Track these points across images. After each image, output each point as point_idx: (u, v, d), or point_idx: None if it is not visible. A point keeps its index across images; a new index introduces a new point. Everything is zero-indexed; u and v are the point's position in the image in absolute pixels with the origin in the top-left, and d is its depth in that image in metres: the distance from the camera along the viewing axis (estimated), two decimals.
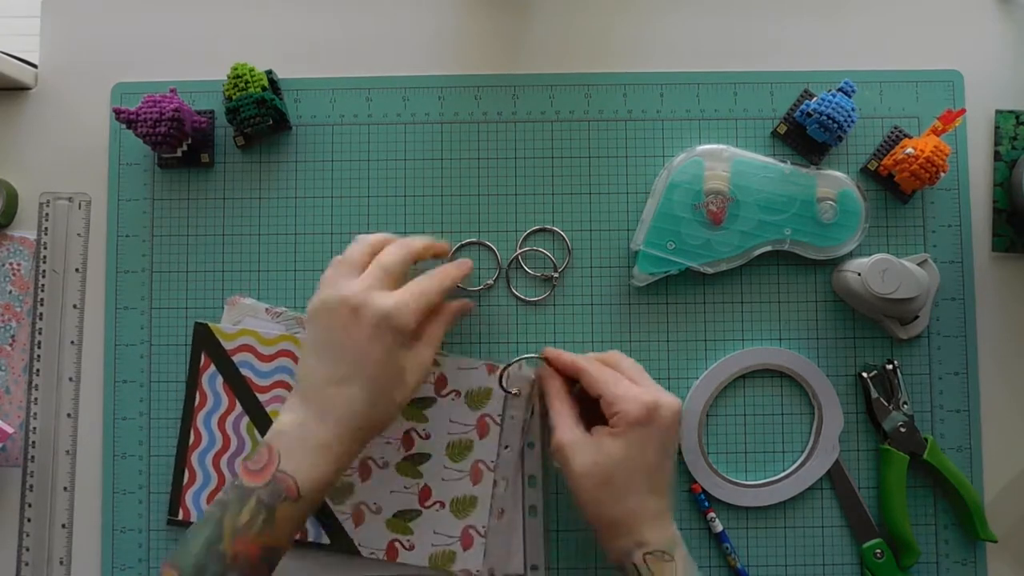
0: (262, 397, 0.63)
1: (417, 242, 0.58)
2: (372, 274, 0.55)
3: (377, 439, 0.61)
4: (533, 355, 0.62)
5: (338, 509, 0.62)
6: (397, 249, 0.57)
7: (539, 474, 0.63)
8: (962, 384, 0.64)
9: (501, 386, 0.62)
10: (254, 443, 0.63)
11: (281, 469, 0.51)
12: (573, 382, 0.60)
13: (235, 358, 0.63)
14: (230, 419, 0.63)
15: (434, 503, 0.62)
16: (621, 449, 0.54)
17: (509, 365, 0.62)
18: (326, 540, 0.62)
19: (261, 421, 0.63)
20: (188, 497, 0.63)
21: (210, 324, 0.64)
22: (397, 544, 0.62)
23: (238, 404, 0.63)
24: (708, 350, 0.64)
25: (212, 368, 0.63)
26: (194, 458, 0.63)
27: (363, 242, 0.58)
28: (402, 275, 0.56)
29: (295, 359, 0.63)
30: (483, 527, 0.62)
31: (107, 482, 0.64)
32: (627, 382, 0.56)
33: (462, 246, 0.64)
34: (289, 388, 0.63)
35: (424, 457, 0.62)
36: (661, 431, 0.55)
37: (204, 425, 0.63)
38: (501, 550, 0.62)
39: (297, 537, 0.61)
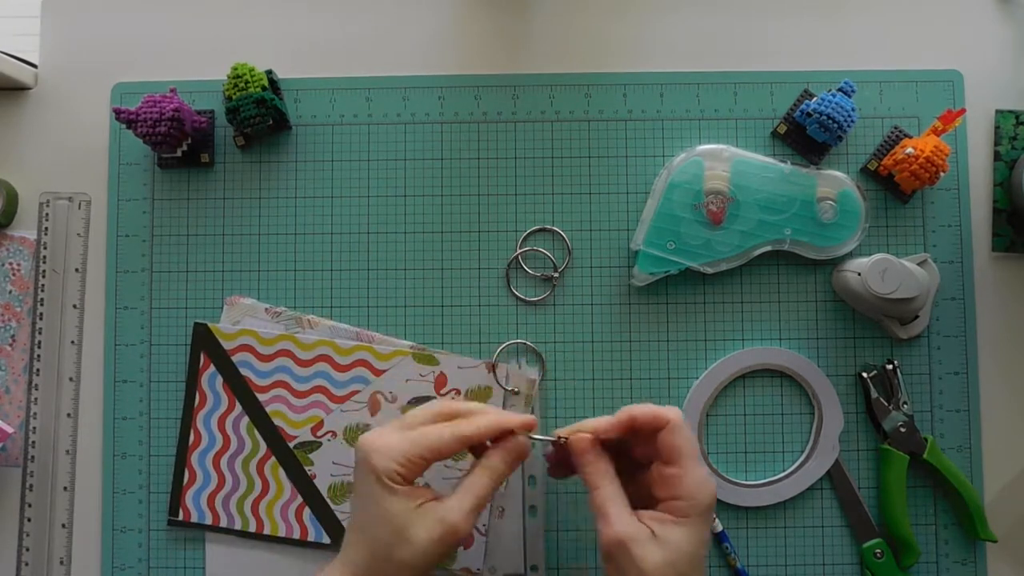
0: (262, 397, 0.63)
1: (466, 429, 0.53)
2: (398, 421, 0.53)
3: None
4: (522, 341, 0.63)
5: (338, 509, 0.62)
6: (421, 409, 0.54)
7: (539, 474, 0.63)
8: (962, 384, 0.64)
9: (498, 383, 0.62)
10: (254, 443, 0.63)
11: None
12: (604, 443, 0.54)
13: (234, 358, 0.63)
14: (230, 419, 0.63)
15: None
16: (691, 540, 0.49)
17: (498, 354, 0.62)
18: (327, 540, 0.62)
19: (261, 421, 0.63)
20: (188, 497, 0.63)
21: (209, 324, 0.64)
22: None
23: (238, 404, 0.63)
24: (708, 350, 0.64)
25: (212, 368, 0.63)
26: (194, 458, 0.63)
27: (427, 408, 0.55)
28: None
29: (295, 359, 0.63)
30: (483, 526, 0.62)
31: (107, 482, 0.64)
32: (692, 460, 0.51)
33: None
34: (287, 388, 0.63)
35: None
36: (711, 514, 0.51)
37: (204, 425, 0.63)
38: (502, 549, 0.62)
39: (297, 536, 0.61)
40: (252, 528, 0.62)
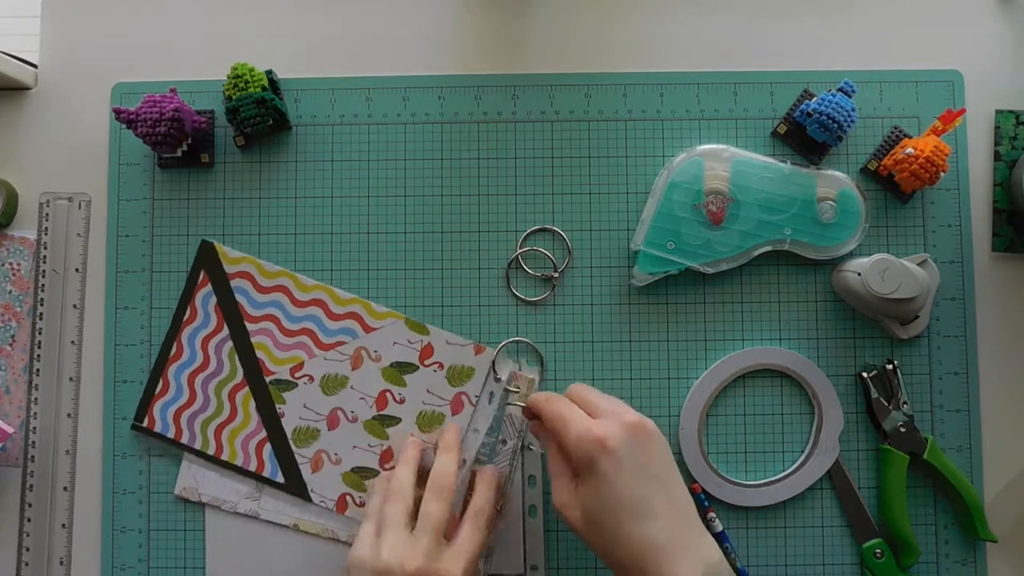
0: (250, 327, 0.64)
1: (407, 454, 0.59)
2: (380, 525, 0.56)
3: (353, 393, 0.62)
4: (522, 339, 0.63)
5: (299, 452, 0.63)
6: (387, 502, 0.56)
7: (539, 474, 0.63)
8: (962, 384, 0.64)
9: (495, 375, 0.63)
10: (232, 369, 0.63)
11: None
12: None
13: (233, 283, 0.64)
14: (214, 340, 0.64)
15: (392, 466, 0.63)
16: (593, 492, 0.51)
17: (498, 351, 0.63)
18: (281, 479, 0.63)
19: (244, 349, 0.64)
20: (156, 407, 0.63)
21: (216, 244, 0.64)
22: (348, 498, 0.62)
23: (226, 328, 0.64)
24: (708, 350, 0.64)
25: (208, 287, 0.64)
26: (171, 371, 0.64)
27: (374, 496, 0.58)
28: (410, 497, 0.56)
29: (291, 297, 0.64)
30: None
31: (107, 482, 0.64)
32: (576, 421, 0.53)
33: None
34: (277, 324, 0.64)
35: (394, 420, 0.63)
36: (621, 457, 0.51)
37: (188, 341, 0.64)
38: (502, 549, 0.62)
39: (253, 469, 0.63)
40: (211, 451, 0.63)
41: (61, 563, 0.63)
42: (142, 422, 0.63)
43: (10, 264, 0.66)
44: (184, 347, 0.64)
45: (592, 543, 0.52)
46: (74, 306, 0.65)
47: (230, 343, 0.64)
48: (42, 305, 0.65)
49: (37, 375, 0.64)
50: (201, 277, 0.64)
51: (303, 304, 0.64)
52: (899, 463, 0.62)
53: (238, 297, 0.64)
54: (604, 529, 0.51)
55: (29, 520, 0.64)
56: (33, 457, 0.64)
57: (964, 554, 0.63)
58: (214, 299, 0.64)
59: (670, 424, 0.63)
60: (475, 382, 0.63)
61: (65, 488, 0.64)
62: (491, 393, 0.63)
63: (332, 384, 0.63)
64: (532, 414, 0.58)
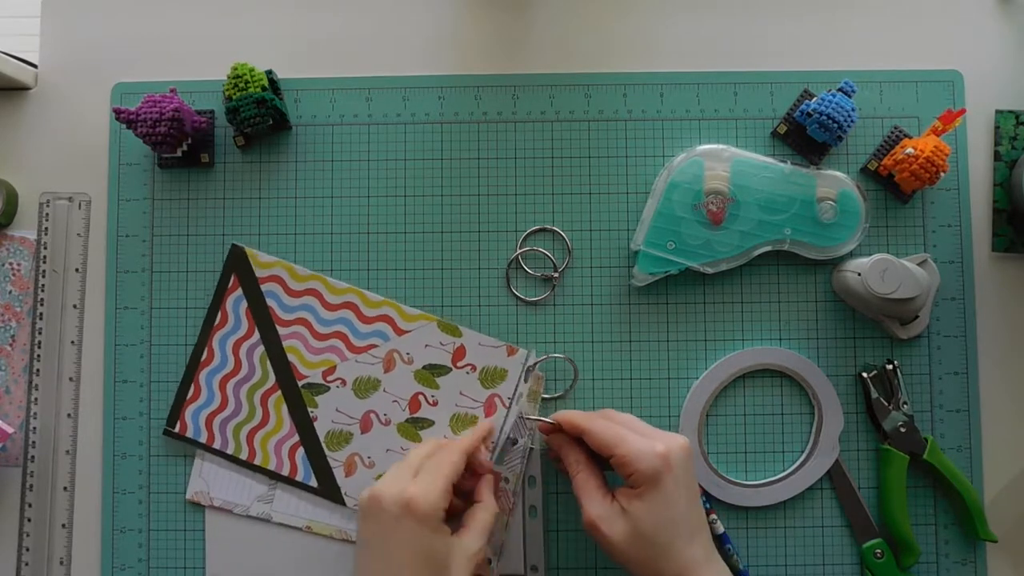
0: (282, 331, 0.63)
1: (464, 441, 0.59)
2: (405, 467, 0.55)
3: (386, 396, 0.62)
4: (560, 355, 0.63)
5: (332, 456, 0.63)
6: (424, 447, 0.58)
7: (539, 475, 0.63)
8: (962, 384, 0.64)
9: (524, 372, 0.63)
10: (264, 373, 0.63)
11: None
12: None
13: (264, 287, 0.64)
14: (246, 345, 0.64)
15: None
16: (651, 508, 0.53)
17: (536, 364, 0.63)
18: (314, 483, 0.62)
19: (276, 353, 0.63)
20: (188, 412, 0.63)
21: (247, 248, 0.64)
22: None
23: (257, 332, 0.64)
24: (708, 350, 0.64)
25: (239, 291, 0.64)
26: (202, 376, 0.63)
27: (421, 447, 0.58)
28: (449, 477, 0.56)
29: (322, 301, 0.63)
30: None
31: (107, 482, 0.64)
32: (632, 436, 0.54)
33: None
34: (308, 327, 0.63)
35: (427, 423, 0.63)
36: (679, 475, 0.53)
37: (219, 346, 0.64)
38: (502, 549, 0.62)
39: (286, 474, 0.62)
40: (244, 456, 0.63)
41: (61, 563, 0.63)
42: (174, 427, 0.63)
43: (10, 264, 0.66)
44: (215, 351, 0.63)
45: (632, 557, 0.53)
46: (74, 306, 0.65)
47: (261, 347, 0.63)
48: (42, 305, 0.65)
49: (37, 375, 0.64)
50: (232, 281, 0.64)
51: (334, 307, 0.64)
52: (899, 463, 0.62)
53: (269, 301, 0.64)
54: (655, 544, 0.53)
55: (29, 520, 0.64)
56: (33, 457, 0.64)
57: (964, 554, 0.63)
58: (245, 303, 0.64)
59: (670, 424, 0.63)
60: (508, 384, 0.63)
61: (65, 488, 0.64)
62: (521, 395, 0.63)
63: (364, 387, 0.63)
64: (552, 428, 0.59)
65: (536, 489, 0.63)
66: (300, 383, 0.63)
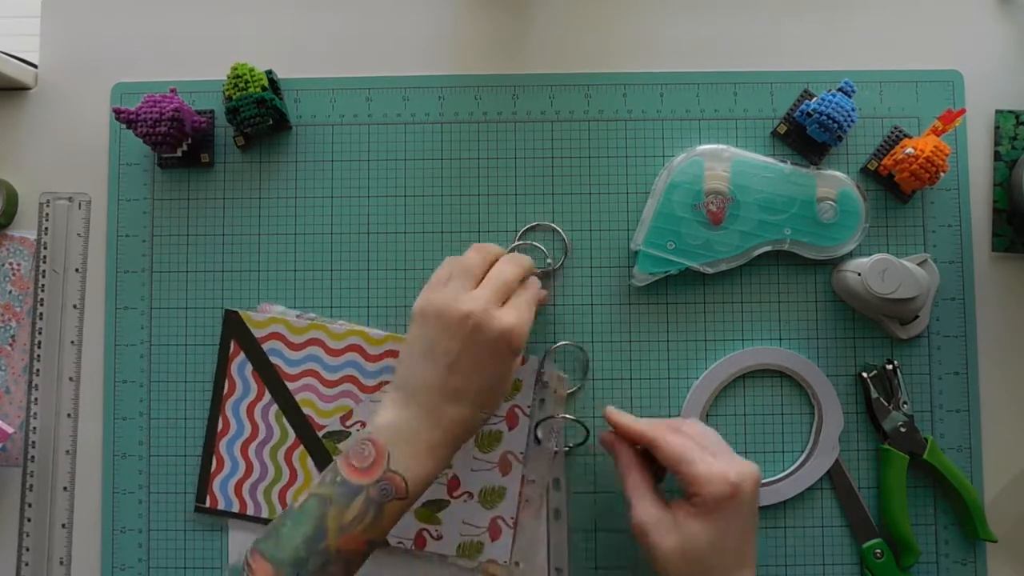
0: (291, 385, 0.63)
1: (527, 259, 0.60)
2: (493, 288, 0.55)
3: None
4: (568, 343, 0.63)
5: None
6: (513, 267, 0.57)
7: (563, 478, 0.63)
8: (962, 384, 0.64)
9: (540, 377, 0.63)
10: (283, 431, 0.63)
11: (392, 469, 0.51)
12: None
13: (265, 346, 0.63)
14: (259, 407, 0.63)
15: (462, 494, 0.62)
16: (707, 530, 0.52)
17: (545, 354, 0.63)
18: None
19: (290, 409, 0.63)
20: (215, 484, 0.63)
21: (240, 312, 0.64)
22: (425, 533, 0.62)
23: (267, 392, 0.63)
24: (708, 350, 0.64)
25: (242, 356, 0.63)
26: (222, 446, 0.63)
27: (481, 251, 0.58)
28: (512, 293, 0.57)
29: (325, 348, 0.63)
30: (511, 518, 0.62)
31: (107, 482, 0.64)
32: (704, 457, 0.53)
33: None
34: (317, 377, 0.63)
35: None
36: (743, 506, 0.52)
37: (233, 413, 0.63)
38: (528, 550, 0.62)
39: None
40: None
41: (61, 563, 0.63)
42: (204, 503, 0.63)
43: (10, 264, 0.66)
44: (230, 420, 0.63)
45: (673, 570, 0.52)
46: (74, 306, 0.65)
47: (275, 406, 0.63)
48: (42, 305, 0.65)
49: (37, 375, 0.64)
50: (232, 347, 0.64)
51: (338, 352, 0.63)
52: (899, 463, 0.62)
53: (273, 359, 0.63)
54: (701, 565, 0.52)
55: (29, 520, 0.64)
56: (33, 457, 0.64)
57: (964, 554, 0.63)
58: (250, 366, 0.63)
59: None
60: (524, 393, 0.63)
61: (65, 488, 0.64)
62: (542, 400, 0.63)
63: None
64: (610, 436, 0.58)
65: (561, 492, 0.63)
66: (320, 433, 0.63)
